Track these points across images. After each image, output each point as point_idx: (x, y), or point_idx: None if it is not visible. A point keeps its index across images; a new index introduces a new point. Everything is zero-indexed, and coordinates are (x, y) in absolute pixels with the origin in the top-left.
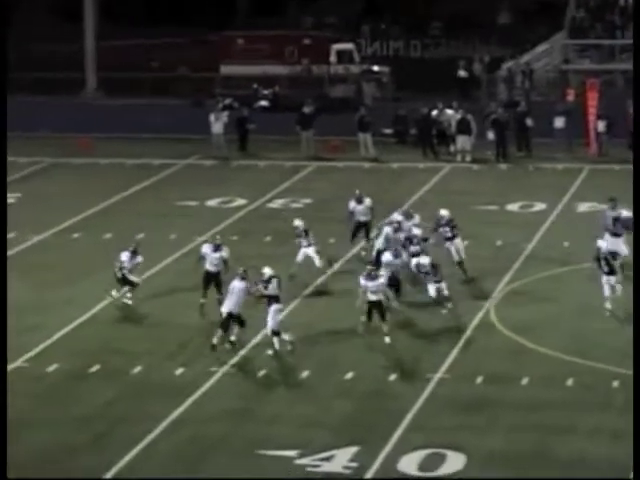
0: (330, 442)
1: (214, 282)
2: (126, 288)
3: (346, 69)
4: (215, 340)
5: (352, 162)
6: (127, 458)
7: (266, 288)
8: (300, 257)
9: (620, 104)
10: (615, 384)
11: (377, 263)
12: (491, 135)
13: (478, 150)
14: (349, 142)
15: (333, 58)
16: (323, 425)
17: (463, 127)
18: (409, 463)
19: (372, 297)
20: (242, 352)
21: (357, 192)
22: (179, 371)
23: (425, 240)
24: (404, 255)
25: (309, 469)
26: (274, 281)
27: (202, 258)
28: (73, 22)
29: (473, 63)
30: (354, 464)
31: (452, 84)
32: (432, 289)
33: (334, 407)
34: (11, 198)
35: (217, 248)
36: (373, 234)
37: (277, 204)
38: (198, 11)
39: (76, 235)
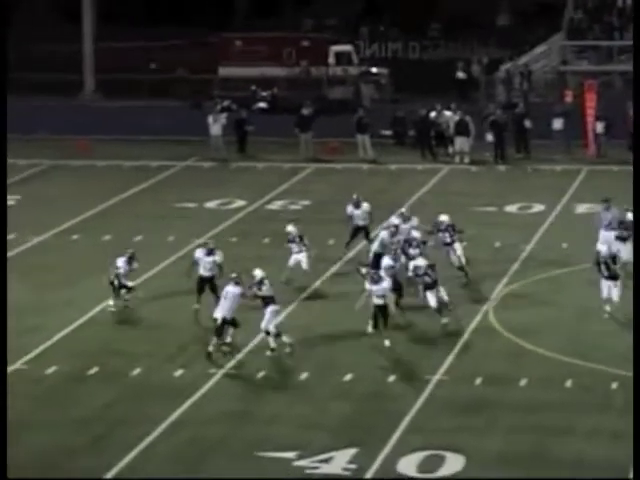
0: (329, 444)
1: (209, 286)
2: (123, 292)
3: (344, 71)
4: (211, 348)
5: (351, 164)
6: (126, 460)
7: (260, 290)
8: (292, 262)
9: (618, 105)
10: (614, 385)
11: (374, 266)
12: (489, 137)
13: (476, 151)
14: (347, 144)
15: (331, 60)
16: (322, 427)
17: (461, 128)
18: (408, 465)
19: (377, 301)
20: (241, 354)
21: (354, 196)
22: (178, 373)
23: (424, 243)
24: (402, 258)
25: (308, 471)
26: (266, 282)
27: (195, 263)
28: (72, 23)
29: (471, 65)
30: (353, 466)
31: (450, 86)
32: (432, 300)
33: (333, 409)
34: (11, 200)
35: (210, 252)
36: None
37: (276, 206)
38: (197, 13)
39: (75, 237)
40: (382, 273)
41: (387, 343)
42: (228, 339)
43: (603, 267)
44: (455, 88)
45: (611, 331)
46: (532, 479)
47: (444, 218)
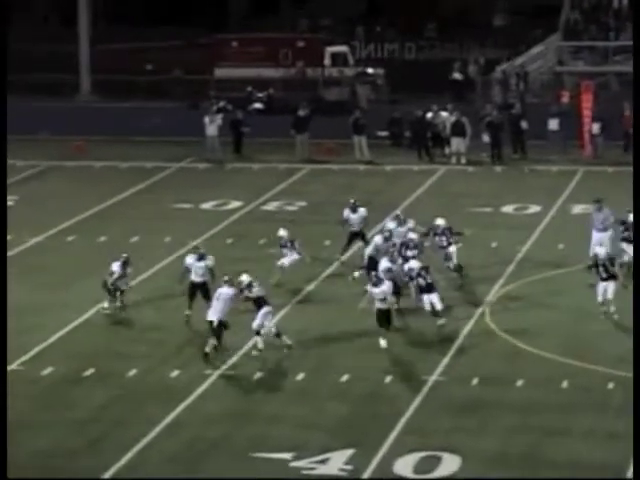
0: (325, 445)
1: (201, 292)
2: (118, 295)
3: (340, 72)
4: (208, 349)
5: (347, 165)
6: (123, 461)
7: (250, 292)
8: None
9: (615, 106)
10: (610, 386)
11: (368, 270)
12: (486, 138)
13: (473, 152)
14: (344, 145)
15: (327, 61)
16: (318, 428)
17: (458, 129)
18: (404, 465)
19: (381, 305)
20: (237, 355)
21: (352, 201)
22: (174, 374)
23: (422, 244)
24: (400, 261)
25: (304, 472)
26: (255, 284)
27: (187, 270)
28: (69, 24)
29: (468, 65)
30: (349, 467)
31: (447, 86)
32: (427, 304)
33: (329, 410)
34: (9, 201)
35: (201, 257)
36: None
37: (272, 207)
38: (193, 14)
39: (71, 238)
40: (381, 275)
41: (383, 344)
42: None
43: (601, 269)
44: (451, 89)
45: (607, 332)
46: (528, 479)
47: (440, 222)
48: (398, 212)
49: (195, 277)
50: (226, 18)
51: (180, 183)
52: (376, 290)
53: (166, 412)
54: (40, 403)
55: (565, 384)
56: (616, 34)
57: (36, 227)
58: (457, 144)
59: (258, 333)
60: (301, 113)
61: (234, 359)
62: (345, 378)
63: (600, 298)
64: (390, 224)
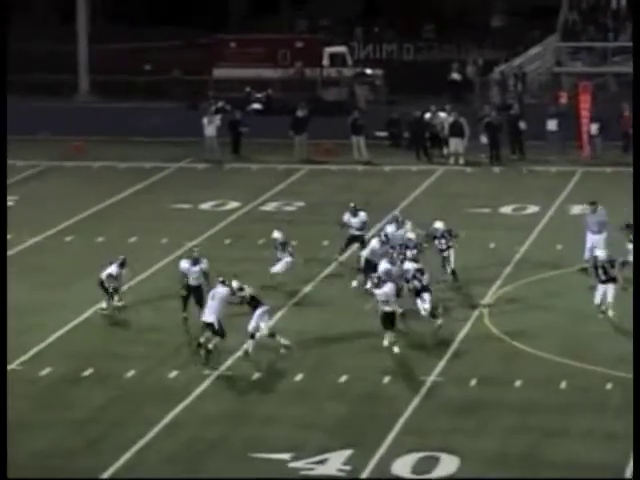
0: (324, 445)
1: (194, 296)
2: (115, 296)
3: (339, 72)
4: (211, 345)
5: (345, 165)
6: (121, 461)
7: (242, 291)
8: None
9: (613, 107)
10: (609, 386)
11: (365, 272)
12: (484, 138)
13: (471, 153)
14: (342, 145)
15: (326, 61)
16: (317, 428)
17: (456, 130)
18: (403, 466)
19: (385, 308)
20: (235, 355)
21: (352, 204)
22: (173, 375)
23: (421, 244)
24: (399, 262)
25: (303, 472)
26: (245, 287)
27: (184, 275)
28: (68, 24)
29: (466, 66)
30: (348, 467)
31: (445, 87)
32: (422, 309)
33: (328, 410)
34: (8, 201)
35: (196, 262)
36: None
37: (270, 207)
38: (192, 14)
39: (69, 238)
40: (384, 277)
41: (385, 343)
42: (202, 340)
43: (600, 271)
44: (450, 89)
45: (606, 332)
46: (527, 479)
47: (439, 225)
48: (397, 213)
49: (190, 281)
50: (226, 18)
51: (179, 183)
52: (378, 292)
53: (165, 412)
54: (39, 403)
55: (564, 385)
56: (615, 35)
57: (35, 227)
58: (455, 145)
59: (252, 336)
60: (299, 113)
61: (233, 360)
62: (344, 378)
63: (598, 300)
64: (388, 227)
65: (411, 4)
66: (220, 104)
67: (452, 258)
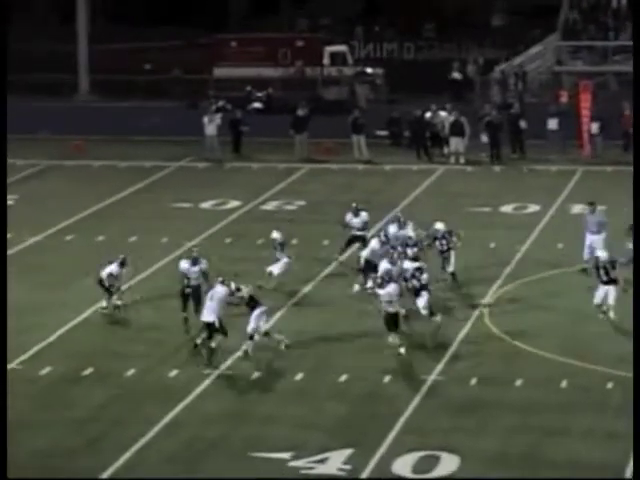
0: (324, 444)
1: (193, 296)
2: (115, 296)
3: (339, 71)
4: (213, 344)
5: (346, 164)
6: (121, 461)
7: (240, 291)
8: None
9: (613, 106)
10: (610, 386)
11: (365, 273)
12: (485, 137)
13: (472, 152)
14: (343, 144)
15: (326, 60)
16: (317, 427)
17: (456, 129)
18: (403, 465)
19: (388, 308)
20: (235, 355)
21: (354, 204)
22: (173, 374)
23: (421, 242)
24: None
25: (303, 471)
26: (242, 287)
27: (185, 276)
28: (68, 24)
29: (467, 65)
30: (348, 466)
31: (446, 86)
32: (421, 308)
33: (328, 409)
34: (8, 200)
35: (195, 262)
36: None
37: (271, 206)
38: (193, 14)
39: (70, 237)
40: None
41: (390, 341)
42: (207, 342)
43: (602, 272)
44: (450, 89)
45: (606, 332)
46: (528, 479)
47: (439, 226)
48: (399, 214)
49: (190, 282)
50: (226, 18)
51: (179, 182)
52: (382, 292)
53: (165, 412)
54: (39, 402)
55: (564, 384)
56: (615, 34)
57: (35, 226)
58: (456, 144)
59: (251, 337)
60: (300, 112)
61: (233, 359)
62: (344, 378)
63: (598, 300)
64: (390, 227)
65: (412, 3)
66: (221, 103)
67: (452, 259)
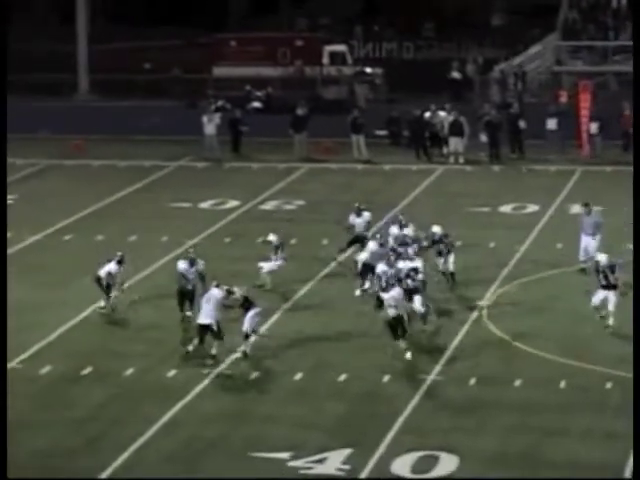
0: (323, 444)
1: (188, 297)
2: (113, 294)
3: (339, 71)
4: (214, 350)
5: (345, 164)
6: (120, 460)
7: (233, 293)
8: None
9: (613, 106)
10: (608, 386)
11: (364, 276)
12: (484, 137)
13: (471, 152)
14: (342, 144)
15: (326, 60)
16: (316, 427)
17: (456, 129)
18: (402, 465)
19: (392, 312)
20: (234, 355)
21: (356, 205)
22: (172, 373)
23: (420, 240)
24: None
25: (302, 471)
26: (235, 289)
27: (183, 276)
28: (68, 24)
29: (466, 65)
30: (347, 466)
31: (445, 86)
32: (417, 308)
33: (327, 409)
34: (8, 199)
35: (192, 263)
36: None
37: (270, 206)
38: (192, 14)
39: (69, 237)
40: (402, 282)
41: (403, 345)
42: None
43: (601, 276)
44: (449, 88)
45: (605, 332)
46: (526, 479)
47: (437, 229)
48: (400, 216)
49: (186, 283)
50: (225, 18)
51: (178, 182)
52: (385, 296)
53: (163, 411)
54: (38, 402)
55: (563, 384)
56: (615, 34)
57: (35, 225)
58: (455, 143)
59: (247, 337)
60: (299, 112)
61: (232, 359)
62: (343, 377)
63: (596, 302)
64: (391, 229)
65: (411, 3)
66: (220, 103)
67: (452, 260)
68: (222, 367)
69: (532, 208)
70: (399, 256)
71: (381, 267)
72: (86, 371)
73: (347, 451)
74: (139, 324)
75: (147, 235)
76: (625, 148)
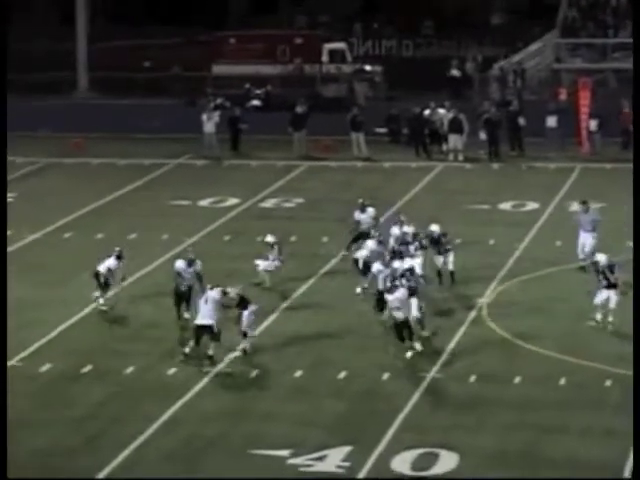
0: (323, 442)
1: (184, 298)
2: (111, 292)
3: (338, 68)
4: (211, 352)
5: (344, 161)
6: (120, 458)
7: (228, 294)
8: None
9: (612, 103)
10: (608, 383)
11: (363, 275)
12: (483, 135)
13: (470, 149)
14: (341, 141)
15: (325, 57)
16: (316, 425)
17: (455, 126)
18: (402, 462)
19: (397, 314)
20: (234, 353)
21: (360, 201)
22: (172, 371)
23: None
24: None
25: (302, 469)
26: (229, 289)
27: (179, 275)
28: (68, 23)
29: (465, 62)
30: (347, 464)
31: (444, 83)
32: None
33: (327, 407)
34: (8, 197)
35: (190, 263)
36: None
37: (269, 204)
38: (192, 12)
39: (68, 235)
40: (396, 282)
41: (418, 347)
42: (210, 352)
43: (601, 277)
44: (449, 86)
45: (605, 329)
46: (526, 479)
47: (435, 228)
48: (401, 216)
49: (183, 283)
50: (225, 16)
51: (178, 180)
52: (390, 298)
53: (163, 409)
54: (38, 400)
55: (563, 381)
56: (614, 31)
57: (35, 223)
58: (454, 141)
59: (245, 335)
60: (299, 110)
61: (231, 357)
62: (342, 375)
63: (598, 302)
64: (392, 229)
65: (411, 1)
66: (219, 100)
67: (451, 260)
68: (222, 365)
69: (532, 206)
70: (400, 255)
71: (376, 266)
72: (86, 369)
73: (347, 448)
74: (139, 322)
75: (147, 233)
76: (625, 146)
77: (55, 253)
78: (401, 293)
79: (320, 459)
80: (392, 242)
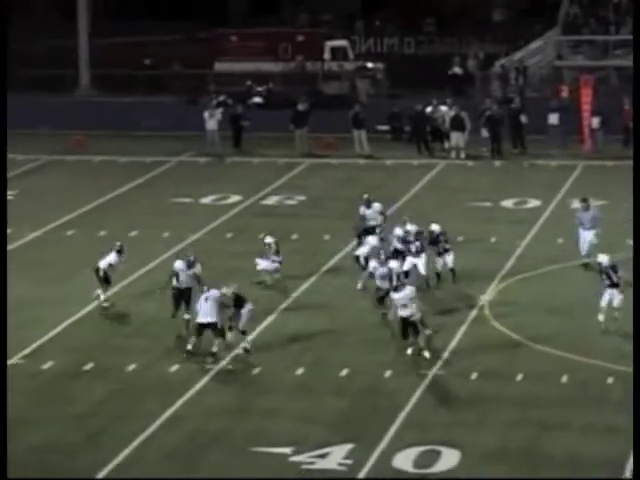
0: (325, 439)
1: (184, 298)
2: (112, 290)
3: (340, 66)
4: (215, 349)
5: (346, 159)
6: (121, 456)
7: (225, 295)
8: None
9: (614, 100)
10: (609, 380)
11: (366, 269)
12: (485, 132)
13: (472, 147)
14: (343, 139)
15: (327, 55)
16: (318, 422)
17: (457, 124)
18: (404, 460)
19: (403, 313)
20: (236, 350)
21: (365, 196)
22: (174, 368)
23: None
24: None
25: (304, 466)
26: (224, 288)
27: (176, 275)
28: (69, 19)
29: (467, 60)
30: (349, 461)
31: (446, 81)
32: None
33: (329, 404)
34: (8, 195)
35: (190, 265)
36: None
37: (271, 201)
38: (194, 9)
39: (70, 232)
40: (403, 280)
41: (427, 355)
42: (214, 348)
43: (604, 276)
44: (451, 83)
45: (608, 327)
46: (526, 478)
47: (435, 227)
48: (406, 217)
49: (181, 283)
50: (227, 13)
51: (179, 177)
52: (397, 296)
53: (165, 407)
54: (39, 398)
55: (564, 379)
56: (616, 28)
57: (36, 221)
58: (456, 138)
59: (244, 333)
60: (300, 107)
61: (233, 354)
62: (344, 372)
63: (603, 303)
64: (397, 230)
65: (412, 0)
66: (221, 98)
67: (450, 259)
68: (223, 363)
69: (533, 203)
70: (401, 254)
71: (372, 263)
72: (87, 367)
73: (349, 446)
74: (140, 319)
75: (148, 230)
76: (625, 143)
77: (56, 251)
78: (409, 290)
79: (322, 457)
80: (395, 243)
